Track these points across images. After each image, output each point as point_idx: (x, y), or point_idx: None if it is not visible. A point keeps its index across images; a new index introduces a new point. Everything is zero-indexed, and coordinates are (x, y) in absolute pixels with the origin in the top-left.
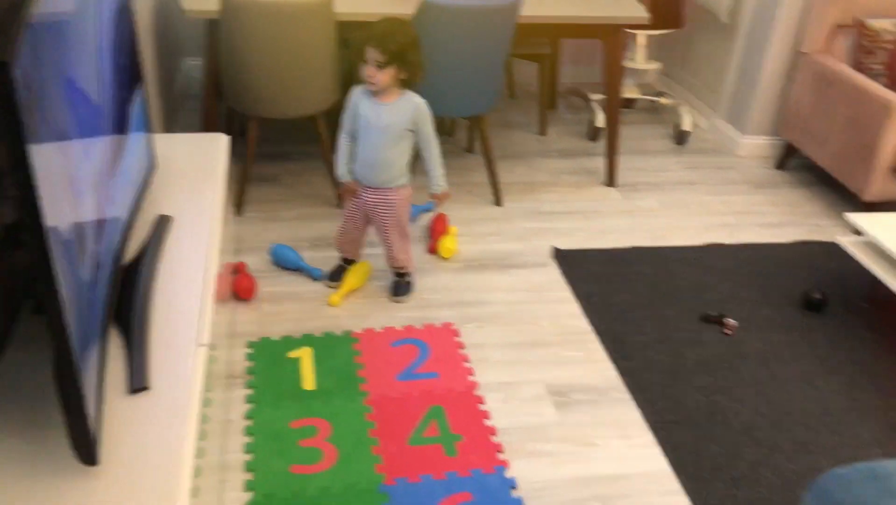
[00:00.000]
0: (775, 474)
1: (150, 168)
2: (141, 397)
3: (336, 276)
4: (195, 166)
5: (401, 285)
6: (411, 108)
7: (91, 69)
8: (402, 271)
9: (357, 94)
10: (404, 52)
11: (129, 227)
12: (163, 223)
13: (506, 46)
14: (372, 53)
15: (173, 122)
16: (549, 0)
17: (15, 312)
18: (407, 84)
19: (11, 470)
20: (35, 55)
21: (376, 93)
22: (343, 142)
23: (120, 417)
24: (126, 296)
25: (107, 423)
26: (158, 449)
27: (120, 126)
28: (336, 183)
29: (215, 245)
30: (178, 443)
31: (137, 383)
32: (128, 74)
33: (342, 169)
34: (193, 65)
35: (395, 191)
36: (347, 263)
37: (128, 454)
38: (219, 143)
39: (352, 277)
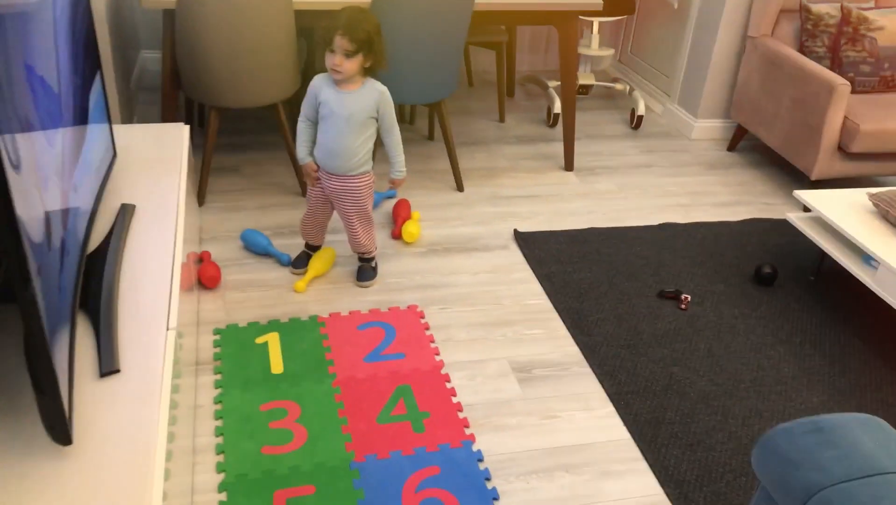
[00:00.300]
0: (730, 439)
1: (112, 157)
2: (112, 380)
3: (300, 263)
4: (156, 156)
5: (365, 270)
6: (375, 95)
7: (50, 58)
8: (366, 256)
9: (318, 82)
10: (371, 40)
11: (92, 215)
12: (126, 211)
13: (462, 33)
14: (340, 42)
15: (131, 115)
16: None
17: None
18: (370, 72)
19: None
20: None
21: (339, 81)
22: (302, 125)
23: (92, 400)
24: (93, 283)
25: (79, 405)
26: (131, 430)
27: (80, 115)
28: (297, 169)
29: (180, 232)
30: (149, 423)
31: (107, 366)
32: (86, 64)
33: (303, 151)
34: (150, 57)
35: (359, 178)
36: (311, 249)
37: (101, 435)
38: (179, 133)
39: (316, 263)
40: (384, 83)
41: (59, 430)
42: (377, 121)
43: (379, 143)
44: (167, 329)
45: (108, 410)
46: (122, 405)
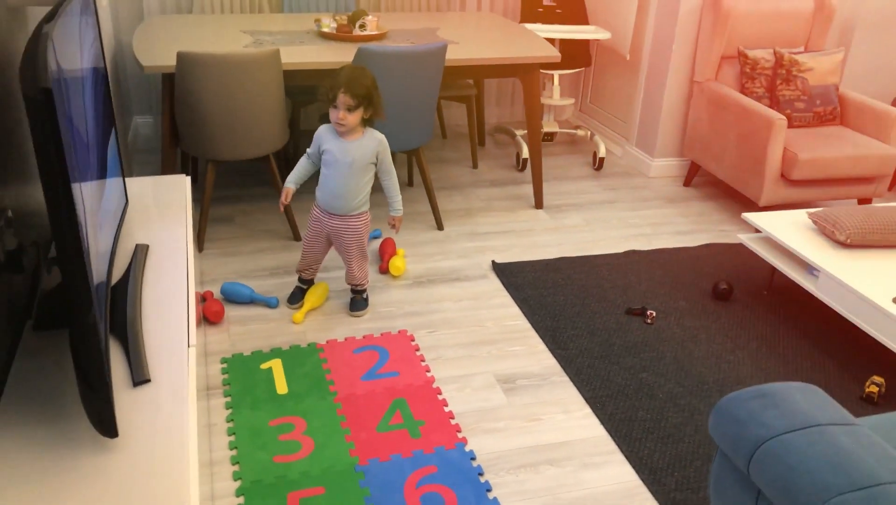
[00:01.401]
0: (696, 432)
1: (125, 204)
2: (144, 389)
3: (295, 298)
4: (163, 203)
5: (358, 301)
6: (374, 143)
7: (84, 117)
8: (358, 288)
9: (323, 131)
10: (370, 94)
11: (112, 253)
12: (141, 250)
13: (436, 86)
14: (343, 98)
15: (130, 173)
16: (473, 46)
17: (20, 328)
18: (369, 122)
19: (41, 454)
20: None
21: (344, 133)
22: (303, 160)
23: (127, 406)
24: (118, 310)
25: (117, 409)
26: (165, 429)
27: (103, 168)
28: (290, 217)
29: (191, 265)
30: (181, 423)
31: (139, 377)
32: (105, 122)
33: (292, 178)
34: (142, 122)
35: (358, 216)
36: (305, 284)
37: (139, 434)
38: (181, 183)
39: (312, 297)
40: None
41: (108, 423)
42: (376, 165)
43: (375, 188)
44: (188, 346)
45: (143, 414)
46: (155, 409)
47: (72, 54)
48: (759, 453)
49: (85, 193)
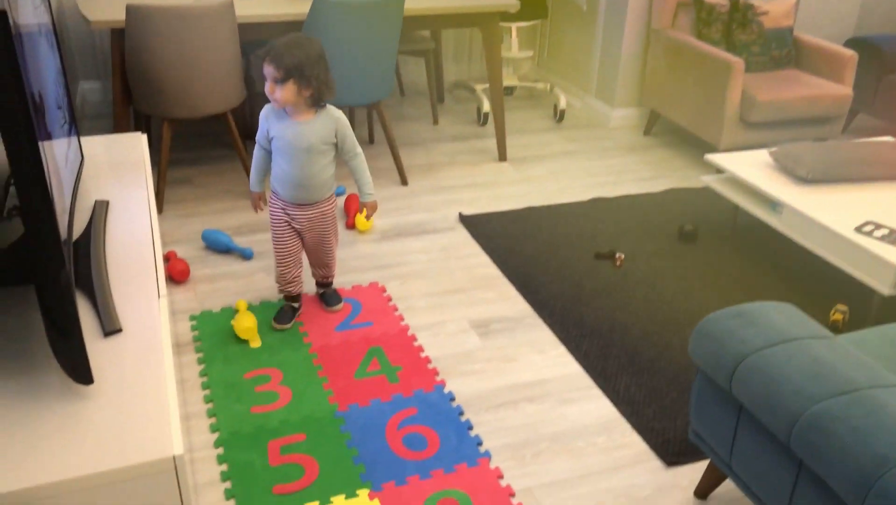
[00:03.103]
0: (671, 365)
1: (80, 161)
2: (116, 339)
3: (287, 318)
4: (119, 162)
5: (331, 295)
6: (331, 123)
7: (43, 75)
8: (328, 280)
9: (267, 111)
10: (301, 67)
11: (72, 210)
12: (101, 206)
13: (395, 37)
14: (268, 69)
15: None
16: None
17: None
18: (318, 101)
19: (16, 402)
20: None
21: (291, 113)
22: (257, 154)
23: (100, 356)
24: (82, 263)
25: (90, 360)
26: (142, 377)
27: (60, 123)
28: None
29: (155, 218)
30: (158, 371)
31: (110, 326)
32: (61, 81)
33: (254, 179)
34: (88, 88)
35: (328, 201)
36: (295, 301)
37: (114, 382)
38: (137, 141)
39: (244, 319)
40: None
41: (82, 370)
42: (336, 146)
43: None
44: (158, 297)
45: (116, 363)
46: (129, 358)
47: (23, 6)
48: (741, 369)
49: (47, 150)
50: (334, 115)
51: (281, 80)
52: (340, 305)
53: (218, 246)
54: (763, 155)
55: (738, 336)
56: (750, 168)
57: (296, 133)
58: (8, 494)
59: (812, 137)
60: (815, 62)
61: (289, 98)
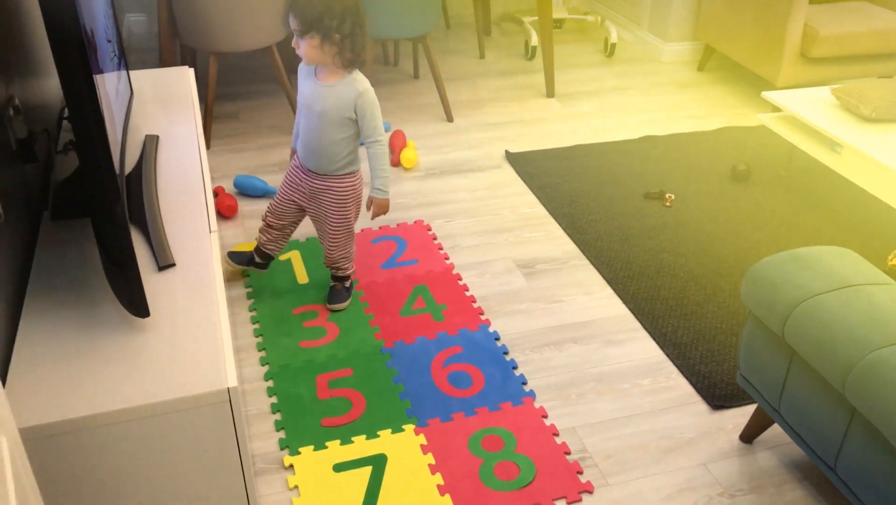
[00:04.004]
0: (719, 308)
1: (130, 95)
2: (169, 273)
3: (240, 260)
4: (167, 96)
5: (338, 291)
6: (352, 94)
7: (94, 8)
8: (339, 274)
9: (301, 66)
10: (321, 19)
11: (123, 144)
12: (151, 140)
13: None
14: (290, 21)
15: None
16: None
17: (37, 218)
18: (350, 64)
19: (76, 335)
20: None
21: (317, 72)
22: (298, 111)
23: (156, 289)
24: (135, 198)
25: (146, 293)
26: (195, 309)
27: (112, 56)
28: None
29: (204, 153)
30: (211, 303)
31: (164, 261)
32: (110, 14)
33: (294, 137)
34: (134, 20)
35: (341, 178)
36: (262, 258)
37: (170, 314)
38: (185, 75)
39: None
40: (369, 17)
41: (139, 303)
42: (356, 123)
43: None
44: (210, 231)
45: (171, 297)
46: (183, 293)
47: None
48: (795, 314)
49: (99, 84)
50: (358, 88)
51: (301, 34)
52: (340, 306)
53: (255, 191)
54: (824, 92)
55: (794, 281)
56: (810, 106)
57: (313, 94)
58: (67, 421)
59: (878, 74)
60: None
61: (312, 55)
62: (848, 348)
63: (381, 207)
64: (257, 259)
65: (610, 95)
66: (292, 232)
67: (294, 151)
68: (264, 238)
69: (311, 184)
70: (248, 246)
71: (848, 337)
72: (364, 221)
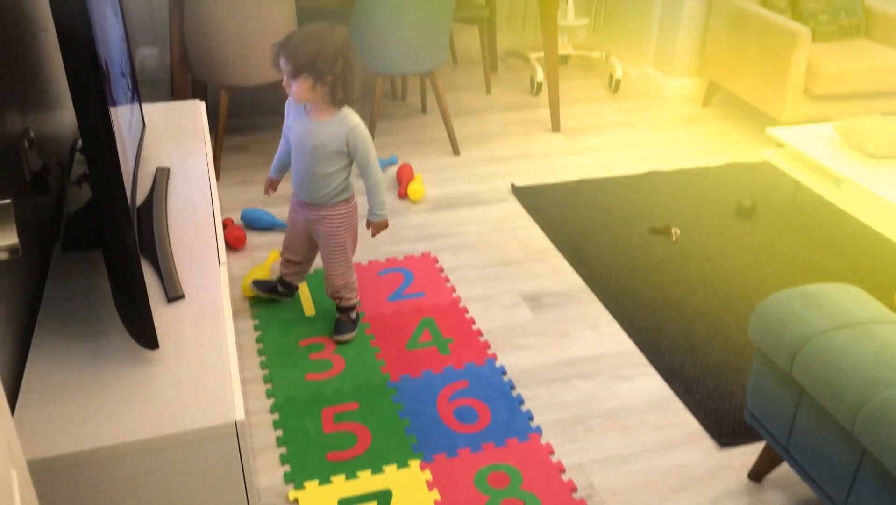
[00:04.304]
0: (726, 343)
1: (142, 128)
2: (179, 305)
3: (265, 288)
4: (179, 128)
5: (343, 323)
6: (343, 130)
7: (109, 42)
8: (343, 304)
9: (288, 102)
10: (314, 61)
11: (135, 176)
12: (162, 173)
13: (450, 5)
14: (281, 63)
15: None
16: None
17: (49, 250)
18: (339, 103)
19: (85, 368)
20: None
21: (309, 110)
22: (281, 142)
23: (165, 321)
24: (145, 230)
25: (155, 325)
26: (203, 342)
27: (125, 90)
28: None
29: (214, 186)
30: (220, 335)
31: (173, 292)
32: (125, 48)
33: (273, 165)
34: (147, 53)
35: (335, 207)
36: (285, 288)
37: (179, 347)
38: (196, 108)
39: (259, 270)
40: (378, 55)
41: (148, 335)
42: (349, 156)
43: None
44: (219, 263)
45: (179, 329)
46: (191, 325)
47: None
48: (804, 352)
49: (114, 115)
50: (349, 123)
51: (293, 75)
52: (346, 337)
53: (261, 224)
54: (828, 129)
55: (802, 318)
56: (814, 143)
57: (304, 132)
58: (75, 453)
59: (880, 111)
60: (887, 32)
61: (303, 94)
62: (857, 387)
63: (379, 228)
64: (280, 288)
65: (615, 130)
66: (310, 264)
67: (271, 180)
68: (286, 271)
69: (306, 214)
70: (261, 270)
71: (857, 375)
72: (372, 254)
